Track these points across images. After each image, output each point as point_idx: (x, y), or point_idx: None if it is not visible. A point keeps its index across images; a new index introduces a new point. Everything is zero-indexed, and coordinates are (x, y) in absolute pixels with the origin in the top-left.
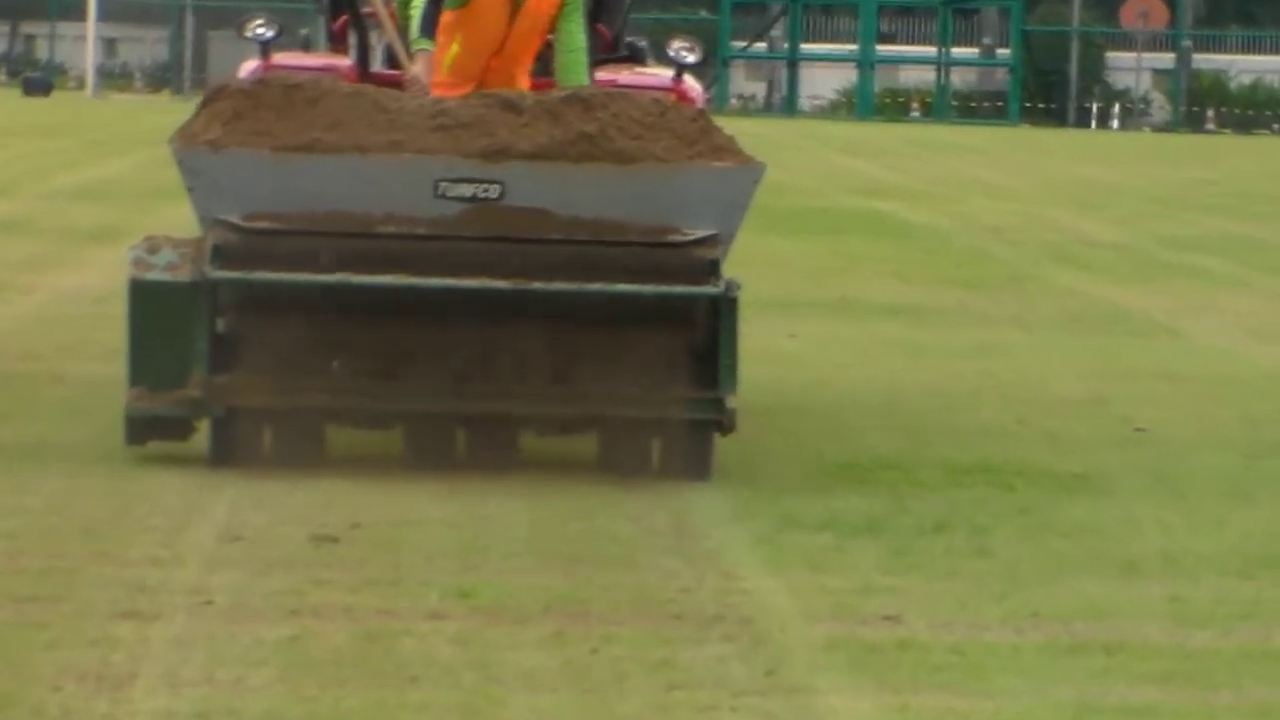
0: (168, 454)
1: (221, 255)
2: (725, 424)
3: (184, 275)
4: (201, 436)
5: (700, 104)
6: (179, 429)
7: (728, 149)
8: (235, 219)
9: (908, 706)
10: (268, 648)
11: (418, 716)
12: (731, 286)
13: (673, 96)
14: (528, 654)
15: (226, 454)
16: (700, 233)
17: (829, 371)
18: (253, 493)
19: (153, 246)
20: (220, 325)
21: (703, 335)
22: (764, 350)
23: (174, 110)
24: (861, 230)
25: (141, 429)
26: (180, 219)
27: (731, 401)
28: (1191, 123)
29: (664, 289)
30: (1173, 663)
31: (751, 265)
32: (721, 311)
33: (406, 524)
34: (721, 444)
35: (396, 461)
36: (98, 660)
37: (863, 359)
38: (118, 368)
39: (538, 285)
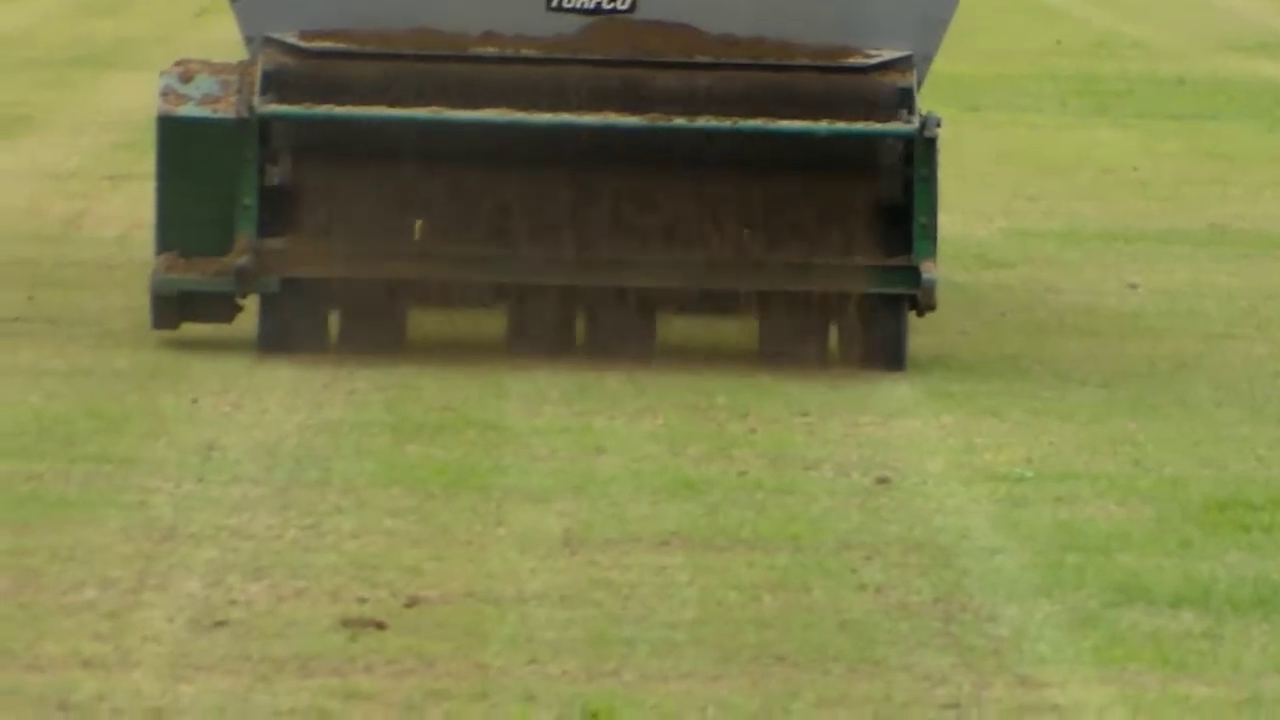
0: (96, 460)
1: (275, 84)
2: (921, 300)
3: (226, 110)
4: (247, 319)
5: None
6: (220, 308)
7: None
8: (292, 37)
9: None
10: None
11: None
12: (929, 123)
13: None
14: None
15: (280, 340)
16: (888, 54)
17: (1195, 346)
18: (248, 542)
19: (187, 73)
20: (273, 175)
21: (893, 186)
22: (1088, 310)
23: None
24: (1245, 113)
25: (172, 308)
26: (131, 97)
27: (930, 270)
28: None
29: (842, 126)
30: None
31: (1066, 171)
32: (917, 155)
33: (494, 596)
34: (1018, 468)
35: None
36: None
37: (1250, 325)
38: (20, 352)
39: (680, 123)
